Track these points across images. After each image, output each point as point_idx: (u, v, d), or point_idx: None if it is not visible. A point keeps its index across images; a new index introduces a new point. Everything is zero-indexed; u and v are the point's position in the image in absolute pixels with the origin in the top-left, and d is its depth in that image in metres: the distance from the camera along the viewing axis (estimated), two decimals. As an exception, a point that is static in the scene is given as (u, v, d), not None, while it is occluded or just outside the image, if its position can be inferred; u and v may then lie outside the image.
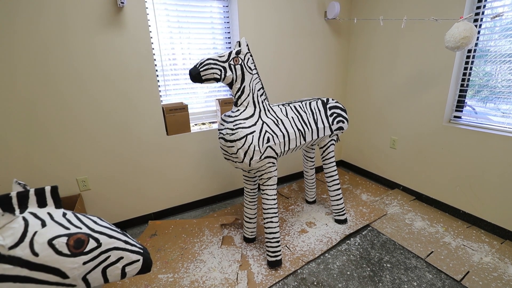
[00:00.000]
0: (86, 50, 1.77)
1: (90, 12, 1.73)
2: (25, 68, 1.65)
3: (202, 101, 2.43)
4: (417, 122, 2.34)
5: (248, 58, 1.52)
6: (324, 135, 1.85)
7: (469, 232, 2.00)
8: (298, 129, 1.70)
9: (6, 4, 1.53)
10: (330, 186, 2.06)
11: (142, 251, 0.88)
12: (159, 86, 2.13)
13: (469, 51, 2.00)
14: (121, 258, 0.83)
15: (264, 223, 1.69)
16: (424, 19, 2.05)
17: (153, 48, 2.04)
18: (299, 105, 1.77)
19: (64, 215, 0.79)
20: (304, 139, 1.75)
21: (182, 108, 2.16)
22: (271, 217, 1.66)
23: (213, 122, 2.49)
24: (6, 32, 1.56)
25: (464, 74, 2.05)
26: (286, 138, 1.64)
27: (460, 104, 2.12)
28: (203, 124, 2.46)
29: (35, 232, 0.71)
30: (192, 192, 2.42)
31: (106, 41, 1.81)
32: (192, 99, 2.37)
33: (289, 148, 1.68)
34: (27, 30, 1.60)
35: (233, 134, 1.49)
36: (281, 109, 1.70)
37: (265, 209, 1.67)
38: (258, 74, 1.60)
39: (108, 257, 0.80)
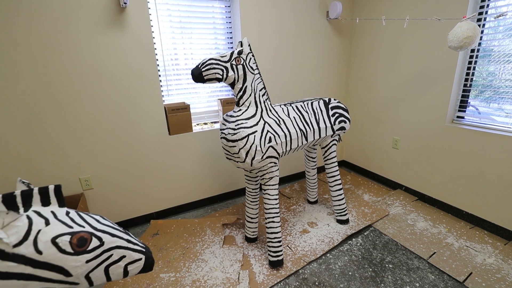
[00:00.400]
0: (88, 50, 1.78)
1: (93, 12, 1.74)
2: (27, 67, 1.66)
3: (204, 101, 2.44)
4: (419, 122, 2.33)
5: (250, 58, 1.53)
6: (326, 135, 1.85)
7: (472, 233, 1.99)
8: (300, 129, 1.70)
9: (8, 4, 1.54)
10: (332, 186, 2.06)
11: (144, 250, 0.89)
12: (161, 86, 2.14)
13: (472, 51, 1.99)
14: (124, 256, 0.83)
15: (266, 223, 1.70)
16: (426, 18, 2.04)
17: (155, 48, 2.04)
18: (301, 105, 1.77)
19: (67, 213, 0.80)
20: (306, 139, 1.74)
21: (184, 108, 2.16)
22: (273, 217, 1.66)
23: (215, 122, 2.49)
24: (9, 32, 1.58)
25: (467, 74, 2.04)
26: (288, 138, 1.64)
27: (463, 104, 2.11)
28: (205, 124, 2.46)
29: (39, 231, 0.72)
30: (194, 192, 2.43)
31: (108, 41, 1.82)
32: (194, 99, 2.38)
33: (290, 148, 1.68)
34: (29, 29, 1.62)
35: (235, 134, 1.49)
36: (282, 109, 1.70)
37: (266, 209, 1.67)
38: (260, 74, 1.60)
39: (111, 255, 0.81)
